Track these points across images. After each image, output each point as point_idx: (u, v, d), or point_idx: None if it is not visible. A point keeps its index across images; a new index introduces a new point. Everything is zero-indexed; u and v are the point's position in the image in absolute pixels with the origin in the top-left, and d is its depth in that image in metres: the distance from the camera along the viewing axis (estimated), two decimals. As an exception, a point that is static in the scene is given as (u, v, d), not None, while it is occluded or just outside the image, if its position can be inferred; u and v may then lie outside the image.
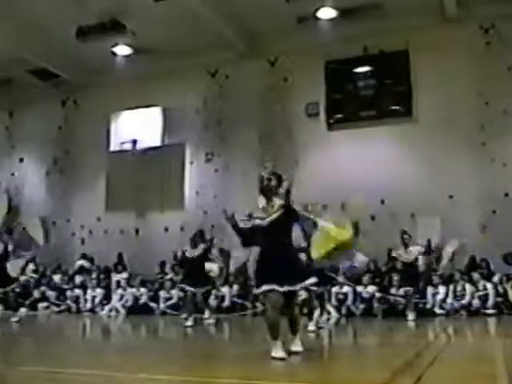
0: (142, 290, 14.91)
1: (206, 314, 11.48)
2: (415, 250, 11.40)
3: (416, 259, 11.48)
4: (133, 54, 16.62)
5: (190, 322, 10.55)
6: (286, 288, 5.56)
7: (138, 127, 17.37)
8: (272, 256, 5.67)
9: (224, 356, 6.47)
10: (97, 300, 15.30)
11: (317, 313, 9.44)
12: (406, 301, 11.83)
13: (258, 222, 5.86)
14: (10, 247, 11.66)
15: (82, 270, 16.61)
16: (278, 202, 5.83)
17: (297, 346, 5.88)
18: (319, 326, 9.28)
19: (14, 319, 11.56)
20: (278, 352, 5.43)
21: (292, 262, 5.78)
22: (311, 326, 8.82)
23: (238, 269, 13.98)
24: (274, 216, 5.78)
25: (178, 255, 11.94)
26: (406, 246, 11.38)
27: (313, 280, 5.91)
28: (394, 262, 12.17)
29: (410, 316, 11.33)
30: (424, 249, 11.50)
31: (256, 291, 5.86)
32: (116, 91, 17.57)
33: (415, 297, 11.95)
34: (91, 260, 16.92)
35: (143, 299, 14.78)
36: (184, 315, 11.20)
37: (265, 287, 5.56)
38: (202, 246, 11.19)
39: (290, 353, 5.64)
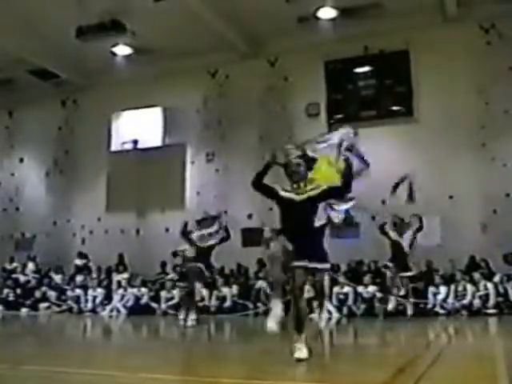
0: (143, 290, 14.92)
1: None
2: (408, 235, 11.18)
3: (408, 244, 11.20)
4: (133, 53, 16.63)
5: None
6: (313, 265, 5.40)
7: (138, 127, 17.40)
8: (299, 235, 5.45)
9: (224, 356, 6.47)
10: (98, 300, 15.30)
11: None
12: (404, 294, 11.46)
13: (291, 195, 5.59)
14: None
15: (79, 269, 16.63)
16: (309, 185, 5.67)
17: (301, 353, 5.25)
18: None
19: None
20: (301, 352, 5.23)
21: (316, 242, 5.64)
22: (322, 322, 8.58)
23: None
24: (311, 193, 5.58)
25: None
26: (400, 234, 11.25)
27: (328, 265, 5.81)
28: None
29: (409, 310, 11.16)
30: (415, 229, 11.25)
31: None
32: (116, 91, 17.58)
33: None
34: (86, 257, 16.93)
35: (144, 299, 14.79)
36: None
37: (296, 263, 5.33)
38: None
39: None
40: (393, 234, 11.29)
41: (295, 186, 5.63)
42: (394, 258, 11.32)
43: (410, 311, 11.23)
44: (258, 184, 5.70)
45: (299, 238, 5.41)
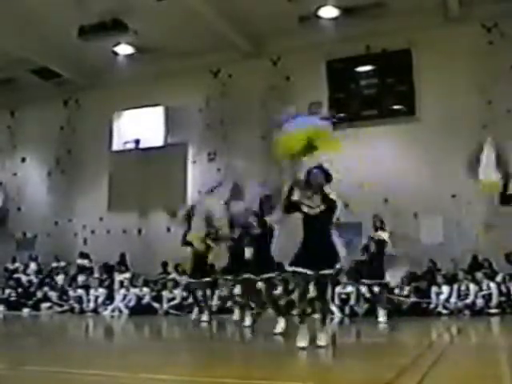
0: (145, 289, 14.89)
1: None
2: (385, 234, 10.90)
3: (385, 242, 10.87)
4: (135, 53, 16.62)
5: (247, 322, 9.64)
6: (318, 272, 6.20)
7: (140, 127, 17.39)
8: (312, 243, 6.28)
9: (225, 356, 6.45)
10: (100, 300, 15.28)
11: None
12: (376, 297, 11.16)
13: (306, 209, 6.35)
14: None
15: (82, 269, 16.62)
16: (327, 193, 6.42)
17: (321, 341, 6.20)
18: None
19: None
20: (301, 340, 6.06)
21: (329, 249, 6.35)
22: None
23: None
24: (322, 207, 6.34)
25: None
26: (376, 229, 10.97)
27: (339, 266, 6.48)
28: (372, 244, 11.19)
29: (381, 317, 10.64)
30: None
31: (288, 268, 6.53)
32: (118, 91, 17.58)
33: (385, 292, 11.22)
34: (88, 257, 16.93)
35: (146, 299, 14.76)
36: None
37: (297, 268, 6.28)
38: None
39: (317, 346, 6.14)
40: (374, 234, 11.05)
41: (312, 196, 6.38)
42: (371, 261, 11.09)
43: (381, 317, 10.68)
44: (288, 208, 6.53)
45: (319, 247, 6.25)
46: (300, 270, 6.24)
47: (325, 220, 6.38)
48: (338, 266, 6.42)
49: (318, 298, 6.59)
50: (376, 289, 11.13)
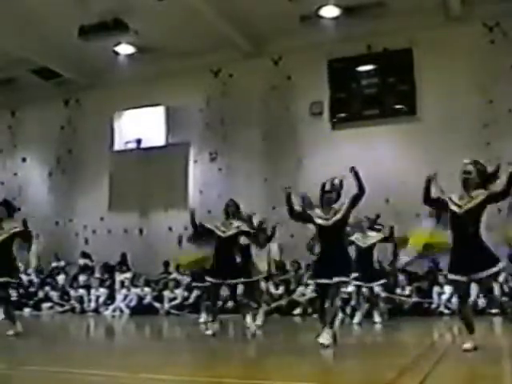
0: (146, 289, 14.89)
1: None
2: (373, 234, 10.71)
3: (374, 245, 10.69)
4: (136, 53, 16.58)
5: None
6: (332, 280, 6.59)
7: (141, 126, 17.37)
8: (327, 253, 6.80)
9: (225, 356, 6.44)
10: (101, 300, 15.28)
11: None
12: (371, 298, 11.05)
13: (319, 221, 6.86)
14: None
15: (84, 269, 16.60)
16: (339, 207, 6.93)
17: (324, 339, 6.39)
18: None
19: None
20: (325, 339, 6.38)
21: (342, 257, 6.82)
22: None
23: None
24: (338, 216, 6.83)
25: None
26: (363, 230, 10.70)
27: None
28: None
29: (377, 318, 10.70)
30: (384, 235, 10.68)
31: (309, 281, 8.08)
32: (119, 90, 17.55)
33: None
34: (89, 257, 16.91)
35: (147, 299, 14.75)
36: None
37: (315, 280, 6.96)
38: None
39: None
40: (357, 238, 10.70)
41: (325, 211, 6.88)
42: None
43: (377, 318, 10.75)
44: (293, 214, 6.97)
45: (332, 256, 6.74)
46: (318, 281, 6.80)
47: (338, 230, 6.87)
48: (352, 275, 6.94)
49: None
50: (364, 289, 11.05)
